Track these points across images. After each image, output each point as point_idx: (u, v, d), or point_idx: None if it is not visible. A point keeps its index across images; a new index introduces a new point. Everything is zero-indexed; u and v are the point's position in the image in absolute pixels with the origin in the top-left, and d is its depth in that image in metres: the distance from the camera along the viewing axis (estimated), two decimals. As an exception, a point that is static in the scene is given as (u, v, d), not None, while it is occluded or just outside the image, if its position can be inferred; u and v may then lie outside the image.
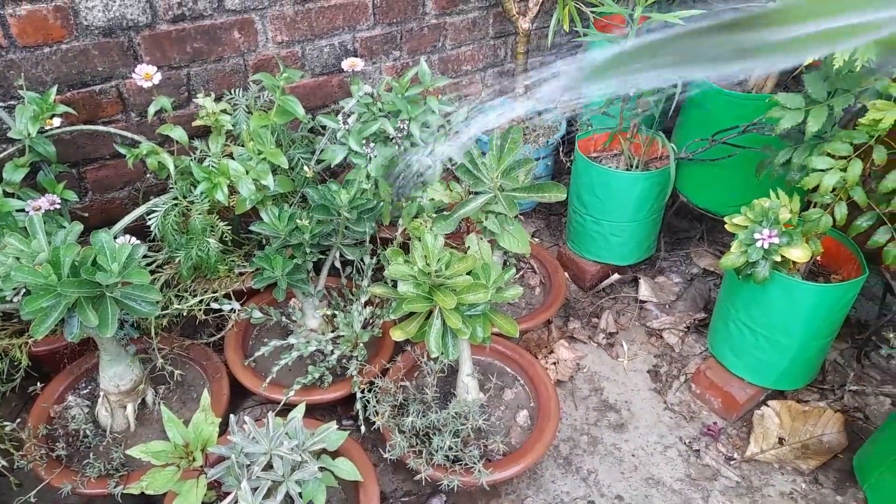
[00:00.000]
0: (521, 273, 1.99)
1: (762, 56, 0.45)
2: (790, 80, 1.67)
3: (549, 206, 2.36)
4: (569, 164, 2.02)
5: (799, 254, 1.38)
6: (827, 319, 1.50)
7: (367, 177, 1.60)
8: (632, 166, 1.89)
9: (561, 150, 2.10)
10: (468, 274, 1.34)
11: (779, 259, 1.39)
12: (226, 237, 1.63)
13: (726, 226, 1.45)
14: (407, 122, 1.68)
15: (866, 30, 0.40)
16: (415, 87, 1.74)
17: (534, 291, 1.95)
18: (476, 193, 1.56)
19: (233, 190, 1.56)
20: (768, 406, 1.67)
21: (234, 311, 1.54)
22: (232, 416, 1.21)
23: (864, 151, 1.24)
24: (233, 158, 1.57)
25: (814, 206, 1.39)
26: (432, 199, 1.58)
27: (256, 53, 1.78)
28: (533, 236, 2.30)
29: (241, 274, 1.67)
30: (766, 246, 1.36)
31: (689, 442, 1.66)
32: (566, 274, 2.12)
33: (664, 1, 1.70)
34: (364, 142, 1.58)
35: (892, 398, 1.75)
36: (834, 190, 1.30)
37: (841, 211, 1.31)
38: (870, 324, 1.89)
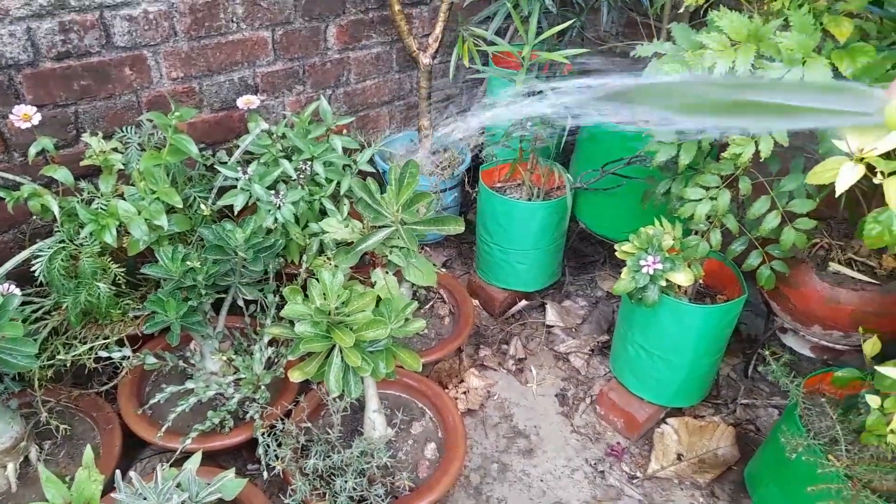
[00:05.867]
0: (430, 303, 2.01)
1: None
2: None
3: (459, 235, 2.40)
4: (475, 194, 2.06)
5: (682, 278, 1.45)
6: (713, 338, 1.59)
7: (275, 220, 1.59)
8: (534, 196, 1.95)
9: (466, 181, 2.15)
10: (375, 308, 1.34)
11: (665, 283, 1.46)
12: (119, 280, 1.56)
13: (616, 253, 1.52)
14: (309, 164, 1.68)
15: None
16: (318, 125, 1.74)
17: (443, 321, 1.96)
18: (378, 228, 1.57)
19: (127, 230, 1.51)
20: (667, 423, 1.74)
21: (126, 359, 1.47)
22: (118, 471, 1.15)
23: (732, 182, 1.33)
24: (124, 199, 1.52)
25: (694, 234, 1.47)
26: (333, 237, 1.57)
27: (150, 90, 1.73)
28: (445, 265, 2.33)
29: (136, 317, 1.61)
30: (651, 272, 1.42)
31: (595, 463, 1.70)
32: (476, 302, 2.15)
33: (554, 40, 1.77)
34: (273, 192, 1.57)
35: (780, 409, 1.85)
36: (710, 217, 1.39)
37: (716, 237, 1.40)
38: (759, 339, 2.01)
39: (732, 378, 1.94)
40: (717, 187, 1.32)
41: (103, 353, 1.45)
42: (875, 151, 0.77)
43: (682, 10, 1.40)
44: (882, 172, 0.95)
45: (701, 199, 1.31)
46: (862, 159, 0.86)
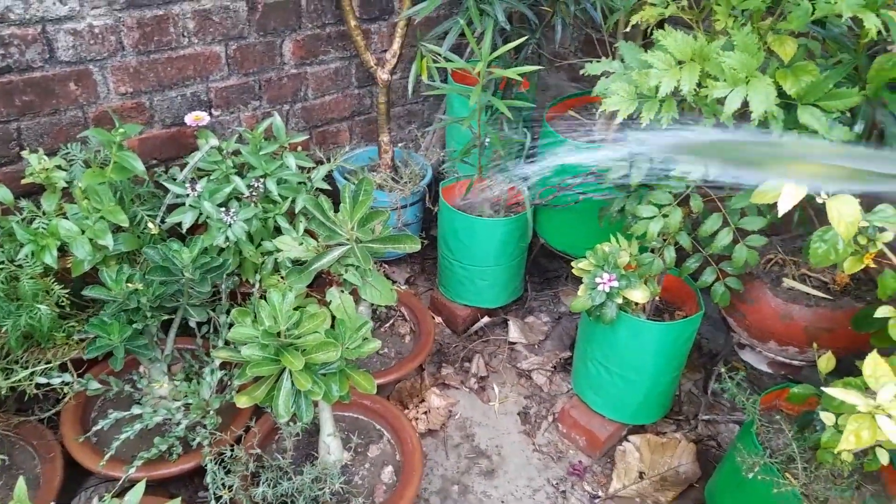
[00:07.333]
0: (391, 321, 1.97)
1: None
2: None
3: (423, 251, 2.37)
4: (436, 210, 2.04)
5: (639, 295, 1.45)
6: (672, 354, 1.58)
7: (226, 238, 1.55)
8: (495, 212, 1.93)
9: (427, 196, 2.13)
10: (330, 329, 1.31)
11: (621, 301, 1.45)
12: (63, 301, 1.51)
13: (573, 270, 1.50)
14: (262, 181, 1.64)
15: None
16: (271, 142, 1.71)
17: (404, 340, 1.93)
18: (332, 246, 1.53)
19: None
20: (629, 441, 1.73)
21: (67, 384, 1.41)
22: (51, 505, 1.10)
23: (685, 199, 1.33)
24: (66, 217, 1.47)
25: (650, 251, 1.46)
26: (287, 255, 1.54)
27: (97, 105, 1.68)
28: (408, 282, 2.30)
29: (81, 340, 1.55)
30: (607, 290, 1.41)
31: (557, 483, 1.68)
32: (439, 319, 2.12)
33: (511, 57, 1.77)
34: (224, 209, 1.53)
35: (741, 424, 1.85)
36: (663, 235, 1.38)
37: (670, 255, 1.39)
38: (720, 354, 2.01)
39: (694, 393, 1.93)
40: (670, 205, 1.31)
41: (41, 380, 1.39)
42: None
43: (628, 29, 1.40)
44: (826, 193, 0.96)
45: (653, 217, 1.31)
46: (803, 179, 0.86)
